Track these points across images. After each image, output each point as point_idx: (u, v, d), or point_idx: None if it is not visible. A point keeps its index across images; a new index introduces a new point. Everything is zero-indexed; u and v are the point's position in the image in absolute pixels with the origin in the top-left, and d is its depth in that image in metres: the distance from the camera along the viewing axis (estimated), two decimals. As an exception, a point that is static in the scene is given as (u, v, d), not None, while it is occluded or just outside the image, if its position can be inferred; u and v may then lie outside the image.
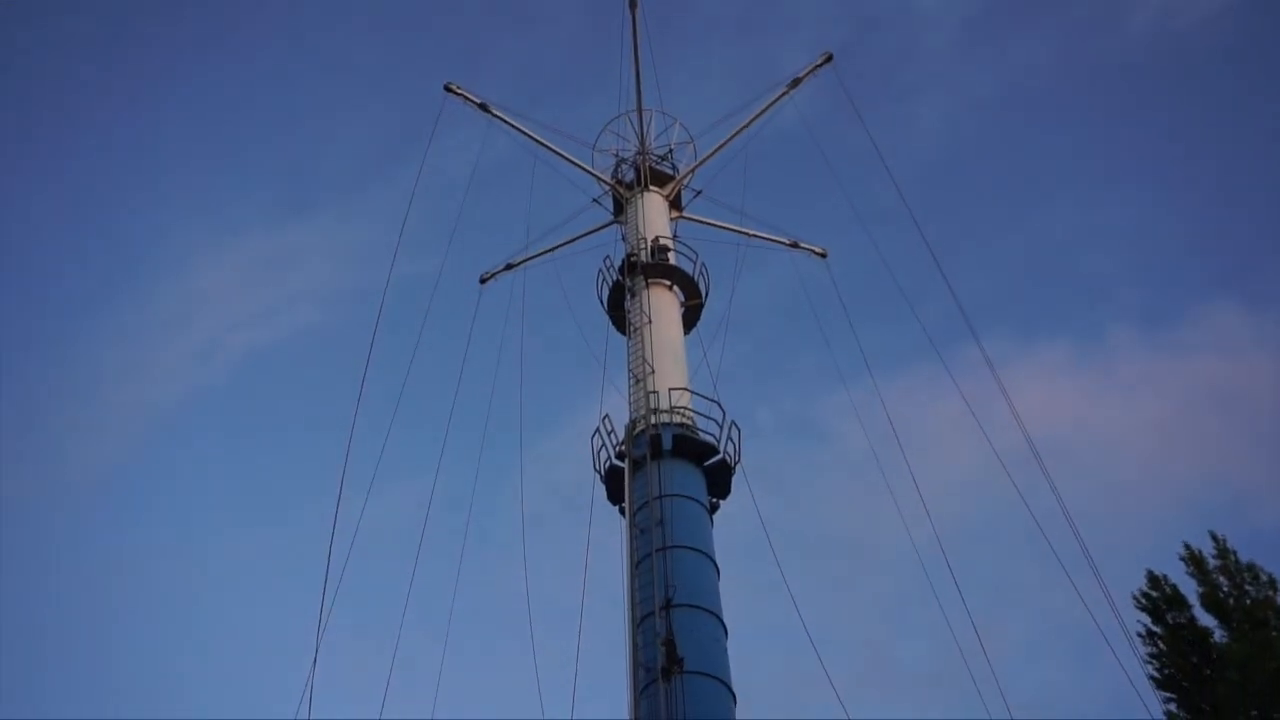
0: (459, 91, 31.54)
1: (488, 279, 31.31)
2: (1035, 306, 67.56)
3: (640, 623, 19.24)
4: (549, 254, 31.01)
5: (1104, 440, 59.92)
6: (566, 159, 31.48)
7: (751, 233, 31.59)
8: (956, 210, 63.56)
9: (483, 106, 31.53)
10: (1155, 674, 19.60)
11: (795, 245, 32.36)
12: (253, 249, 69.98)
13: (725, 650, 19.34)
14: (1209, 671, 18.80)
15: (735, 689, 18.77)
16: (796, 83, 31.83)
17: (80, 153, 66.20)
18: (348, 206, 72.15)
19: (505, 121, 31.66)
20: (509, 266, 31.21)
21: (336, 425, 60.51)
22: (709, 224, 31.17)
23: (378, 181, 73.26)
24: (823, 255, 32.38)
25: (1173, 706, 18.76)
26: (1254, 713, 17.05)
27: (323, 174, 71.42)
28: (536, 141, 31.53)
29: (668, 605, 18.58)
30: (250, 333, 69.06)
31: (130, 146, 68.86)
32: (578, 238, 31.02)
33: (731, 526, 22.36)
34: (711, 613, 19.61)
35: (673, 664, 17.52)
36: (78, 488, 61.97)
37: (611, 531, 23.04)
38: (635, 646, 18.95)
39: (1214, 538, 21.37)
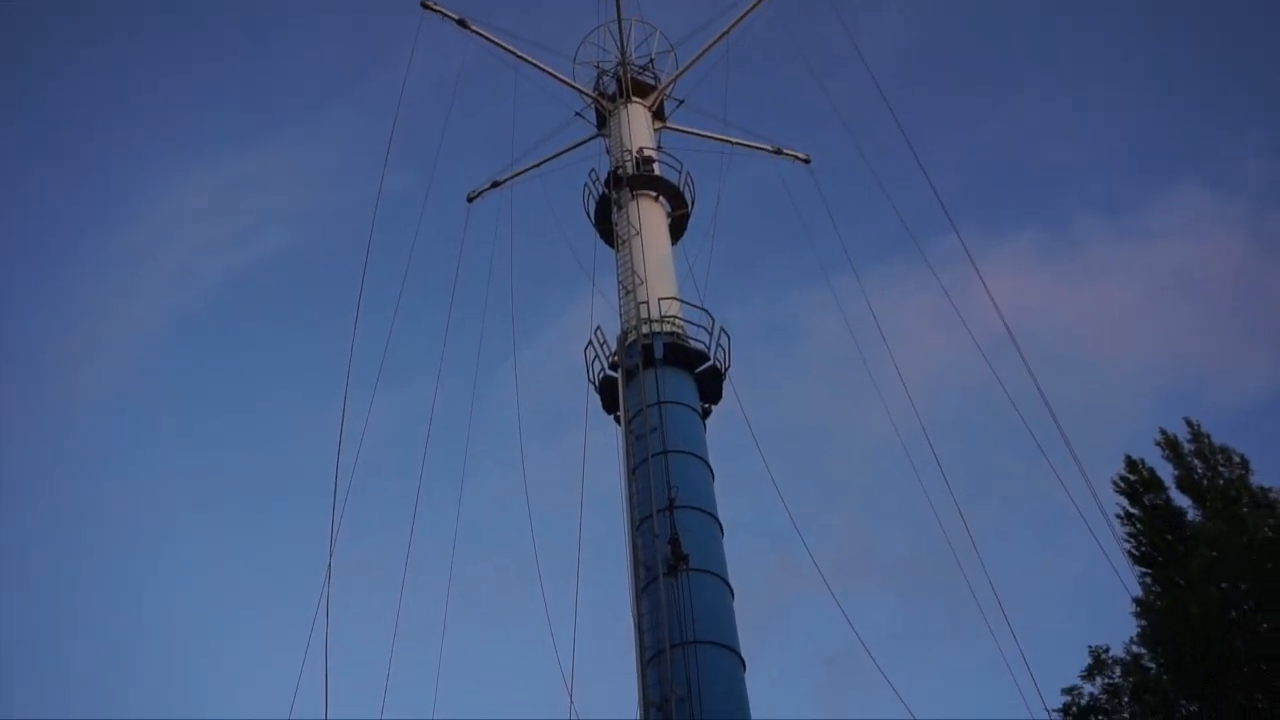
0: (435, 8, 31.20)
1: (475, 197, 31.42)
2: (1002, 198, 67.82)
3: (639, 525, 20.04)
4: (534, 170, 31.10)
5: (1073, 328, 60.91)
6: (547, 72, 31.37)
7: (735, 141, 31.72)
8: (924, 104, 63.20)
9: (461, 22, 31.23)
10: (1132, 551, 20.64)
11: (779, 152, 32.53)
12: (220, 172, 69.02)
13: (722, 547, 20.19)
14: (1182, 548, 19.75)
15: (731, 583, 19.71)
16: (775, -15, 31.56)
17: (39, 85, 64.72)
18: (312, 126, 71.20)
19: (484, 37, 31.42)
20: (495, 184, 31.30)
21: (321, 344, 60.91)
22: (692, 133, 31.29)
23: (339, 100, 72.26)
24: (806, 161, 32.57)
25: (1148, 580, 19.80)
26: (1223, 584, 17.99)
27: (284, 94, 70.30)
28: (516, 56, 31.38)
29: (671, 506, 19.35)
30: (225, 256, 68.57)
31: (91, 74, 67.35)
32: (562, 153, 31.08)
33: (712, 422, 23.06)
34: (708, 513, 20.43)
35: (679, 560, 18.35)
36: (65, 419, 62.08)
37: (604, 441, 23.78)
38: (635, 548, 19.78)
39: (1189, 423, 22.23)
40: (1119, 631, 20.61)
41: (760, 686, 18.28)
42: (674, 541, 18.62)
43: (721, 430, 23.03)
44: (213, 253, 68.39)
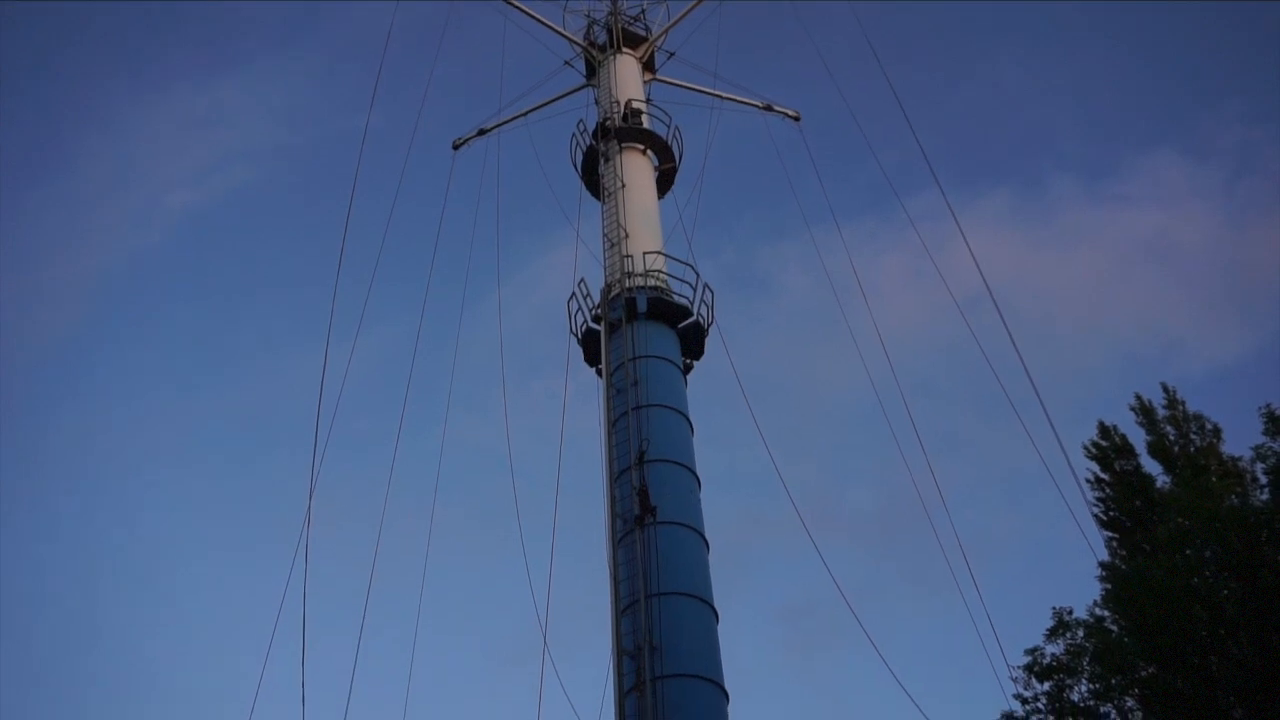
0: (423, -52, 30.70)
1: (461, 145, 31.12)
2: (977, 158, 67.51)
3: (617, 477, 20.25)
4: (521, 119, 30.80)
5: (1045, 291, 61.05)
6: (537, 19, 31.00)
7: (725, 95, 31.47)
8: (902, 63, 62.56)
9: (449, -36, 30.77)
10: (1100, 515, 20.94)
11: (769, 108, 32.27)
12: (180, 109, 67.33)
13: (698, 501, 20.42)
14: (1150, 514, 20.05)
15: (706, 535, 19.96)
16: (769, -63, 31.21)
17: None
18: (275, 63, 69.64)
19: (474, -20, 30.98)
20: (481, 132, 30.97)
21: (288, 285, 60.07)
22: (682, 86, 31.01)
23: (303, 37, 70.77)
24: (796, 118, 32.33)
25: (1114, 544, 20.11)
26: (1188, 551, 18.27)
27: (250, 27, 68.56)
28: (505, 0, 30.99)
29: (641, 459, 19.54)
30: (187, 193, 66.79)
31: (46, 4, 65.57)
32: (550, 102, 30.78)
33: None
34: (685, 466, 20.64)
35: (646, 512, 18.58)
36: (23, 361, 61.10)
37: (579, 390, 23.91)
38: (613, 499, 20.01)
39: (1165, 388, 22.44)
40: (1083, 593, 20.97)
41: (730, 636, 18.65)
42: (642, 493, 18.83)
43: (694, 383, 23.18)
44: (173, 191, 67.12)
